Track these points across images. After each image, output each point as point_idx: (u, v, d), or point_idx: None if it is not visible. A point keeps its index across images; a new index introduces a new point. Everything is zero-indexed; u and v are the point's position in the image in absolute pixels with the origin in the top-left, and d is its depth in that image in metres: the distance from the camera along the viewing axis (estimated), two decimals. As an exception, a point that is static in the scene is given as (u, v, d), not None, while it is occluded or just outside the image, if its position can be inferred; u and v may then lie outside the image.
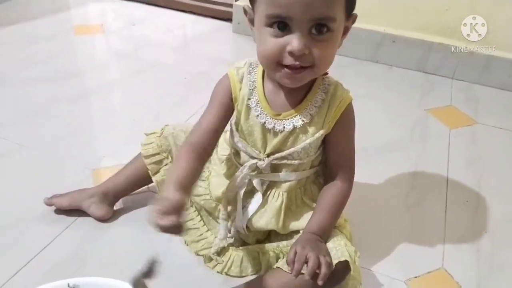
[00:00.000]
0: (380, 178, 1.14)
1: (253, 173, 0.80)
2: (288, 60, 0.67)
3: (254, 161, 0.78)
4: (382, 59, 1.69)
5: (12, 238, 0.90)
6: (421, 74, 1.64)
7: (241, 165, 0.80)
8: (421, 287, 0.87)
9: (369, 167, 1.16)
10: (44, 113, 1.28)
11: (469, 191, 1.12)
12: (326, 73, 0.78)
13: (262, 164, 0.77)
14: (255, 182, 0.80)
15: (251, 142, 0.78)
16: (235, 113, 0.79)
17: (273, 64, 0.68)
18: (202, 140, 0.77)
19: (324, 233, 0.76)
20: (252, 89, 0.76)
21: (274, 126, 0.75)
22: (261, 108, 0.76)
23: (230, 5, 1.89)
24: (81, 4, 2.02)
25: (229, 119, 0.80)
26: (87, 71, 1.54)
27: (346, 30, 0.71)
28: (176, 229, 0.61)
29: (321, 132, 0.75)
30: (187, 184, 0.70)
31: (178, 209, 0.62)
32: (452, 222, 1.02)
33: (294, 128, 0.75)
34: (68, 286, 0.70)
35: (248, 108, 0.76)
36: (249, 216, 0.82)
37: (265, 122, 0.75)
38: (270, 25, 0.66)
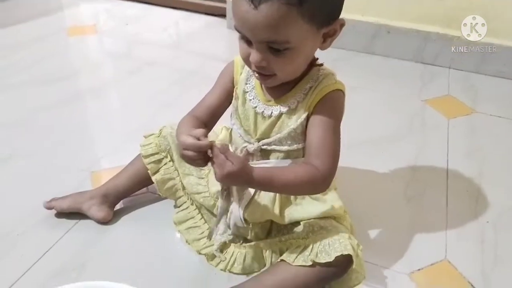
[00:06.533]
0: (379, 170, 1.14)
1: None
2: (253, 67, 0.71)
3: (245, 144, 0.81)
4: (378, 51, 1.68)
5: (13, 244, 0.89)
6: (418, 65, 1.64)
7: None
8: (425, 280, 0.87)
9: (368, 159, 1.16)
10: (39, 117, 1.27)
11: (470, 180, 1.12)
12: (321, 64, 0.78)
13: (252, 147, 0.80)
14: None
15: (246, 127, 0.81)
16: (235, 96, 0.82)
17: (248, 66, 0.74)
18: (204, 115, 0.82)
19: (260, 179, 0.71)
20: (250, 75, 0.80)
21: (263, 111, 0.78)
22: (254, 93, 0.80)
23: (224, 1, 1.88)
24: (74, 5, 2.00)
25: (230, 103, 0.84)
26: (81, 72, 1.53)
27: (331, 34, 0.71)
28: (196, 161, 0.70)
29: (303, 116, 0.76)
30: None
31: (197, 149, 0.69)
32: (454, 212, 1.02)
33: (281, 113, 0.77)
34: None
35: (245, 92, 0.80)
36: (245, 205, 0.82)
37: (256, 106, 0.79)
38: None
